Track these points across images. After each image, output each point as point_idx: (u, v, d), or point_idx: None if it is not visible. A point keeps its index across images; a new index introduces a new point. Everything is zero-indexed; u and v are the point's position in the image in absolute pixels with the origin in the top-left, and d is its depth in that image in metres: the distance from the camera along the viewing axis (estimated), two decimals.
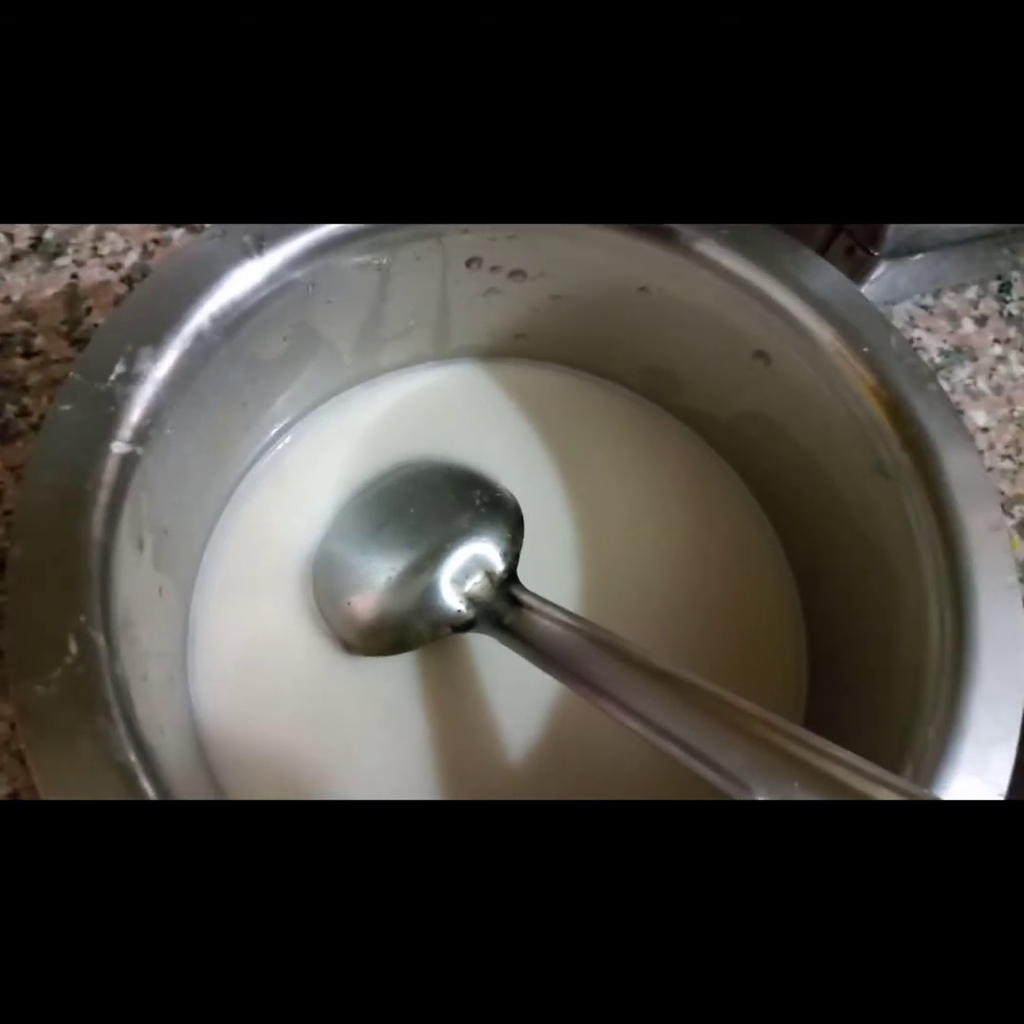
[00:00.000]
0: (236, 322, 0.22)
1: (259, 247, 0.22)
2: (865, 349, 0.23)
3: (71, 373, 0.20)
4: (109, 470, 0.19)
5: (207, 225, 0.30)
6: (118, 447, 0.20)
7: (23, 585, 0.18)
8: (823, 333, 0.24)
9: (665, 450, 0.30)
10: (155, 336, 0.21)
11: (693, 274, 0.25)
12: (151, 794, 0.17)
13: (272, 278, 0.22)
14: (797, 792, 0.19)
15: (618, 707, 0.22)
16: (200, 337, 0.21)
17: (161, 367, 0.21)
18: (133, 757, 0.17)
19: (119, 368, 0.20)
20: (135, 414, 0.20)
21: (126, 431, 0.20)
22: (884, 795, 0.18)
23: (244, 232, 0.22)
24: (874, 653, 0.25)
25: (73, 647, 0.18)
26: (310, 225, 0.23)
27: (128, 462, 0.20)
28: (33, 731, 0.17)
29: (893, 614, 0.24)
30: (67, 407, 0.20)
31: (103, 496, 0.19)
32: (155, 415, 0.21)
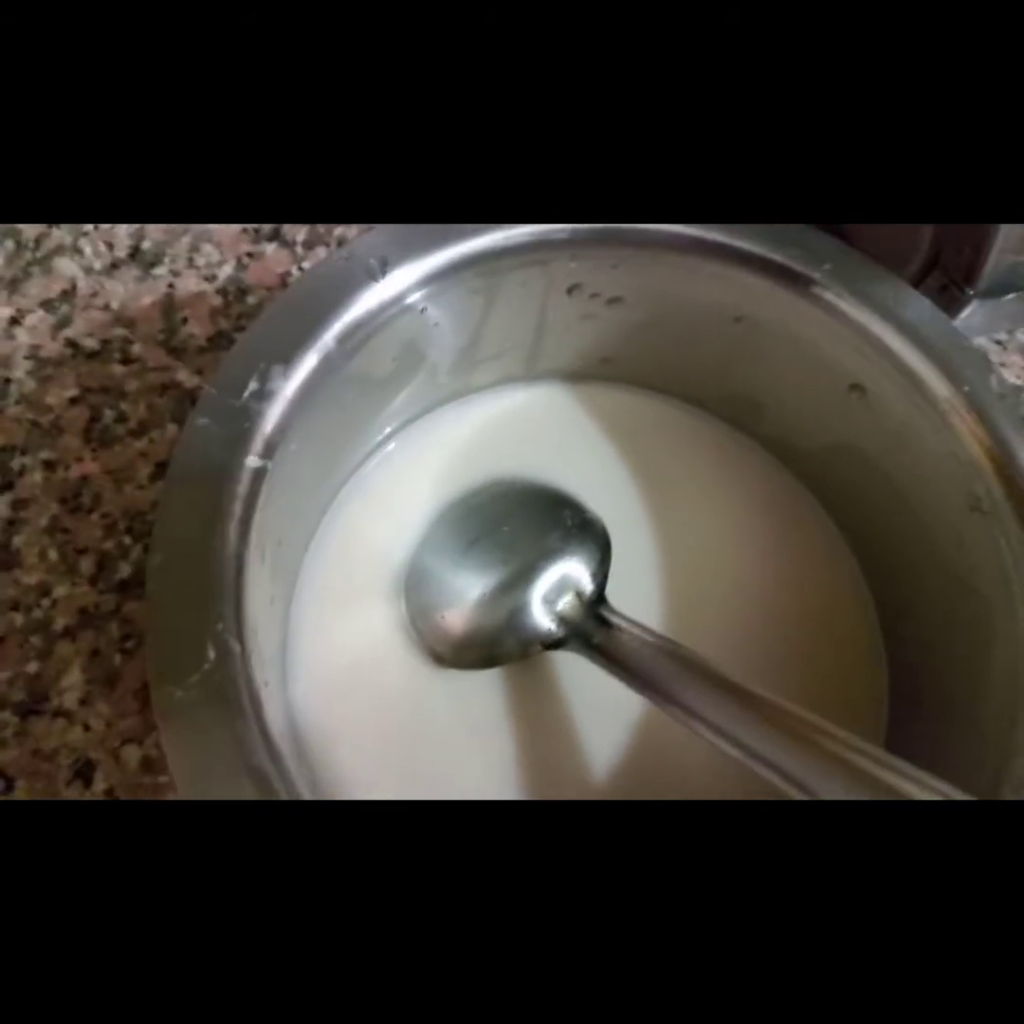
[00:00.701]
0: (358, 342, 0.23)
1: (383, 270, 0.23)
2: (966, 388, 0.24)
3: (207, 387, 0.21)
4: (243, 483, 0.20)
5: (302, 253, 0.31)
6: (252, 461, 0.21)
7: (164, 593, 0.19)
8: (924, 369, 0.24)
9: (749, 477, 0.31)
10: (286, 355, 0.22)
11: (793, 306, 0.26)
12: (283, 796, 0.18)
13: (393, 301, 0.23)
14: None
15: (705, 725, 0.22)
16: (327, 356, 0.22)
17: (291, 385, 0.21)
18: (267, 761, 0.18)
19: (253, 384, 0.21)
20: (267, 430, 0.21)
21: (259, 445, 0.21)
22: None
23: (369, 255, 0.23)
24: (964, 683, 0.25)
25: (211, 653, 0.19)
26: (430, 251, 0.23)
27: (259, 476, 0.21)
28: (173, 733, 0.18)
29: (983, 646, 0.24)
30: (204, 421, 0.21)
31: (237, 508, 0.20)
32: (283, 430, 0.21)
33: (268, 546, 0.22)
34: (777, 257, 0.25)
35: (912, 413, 0.25)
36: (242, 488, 0.20)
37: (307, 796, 0.19)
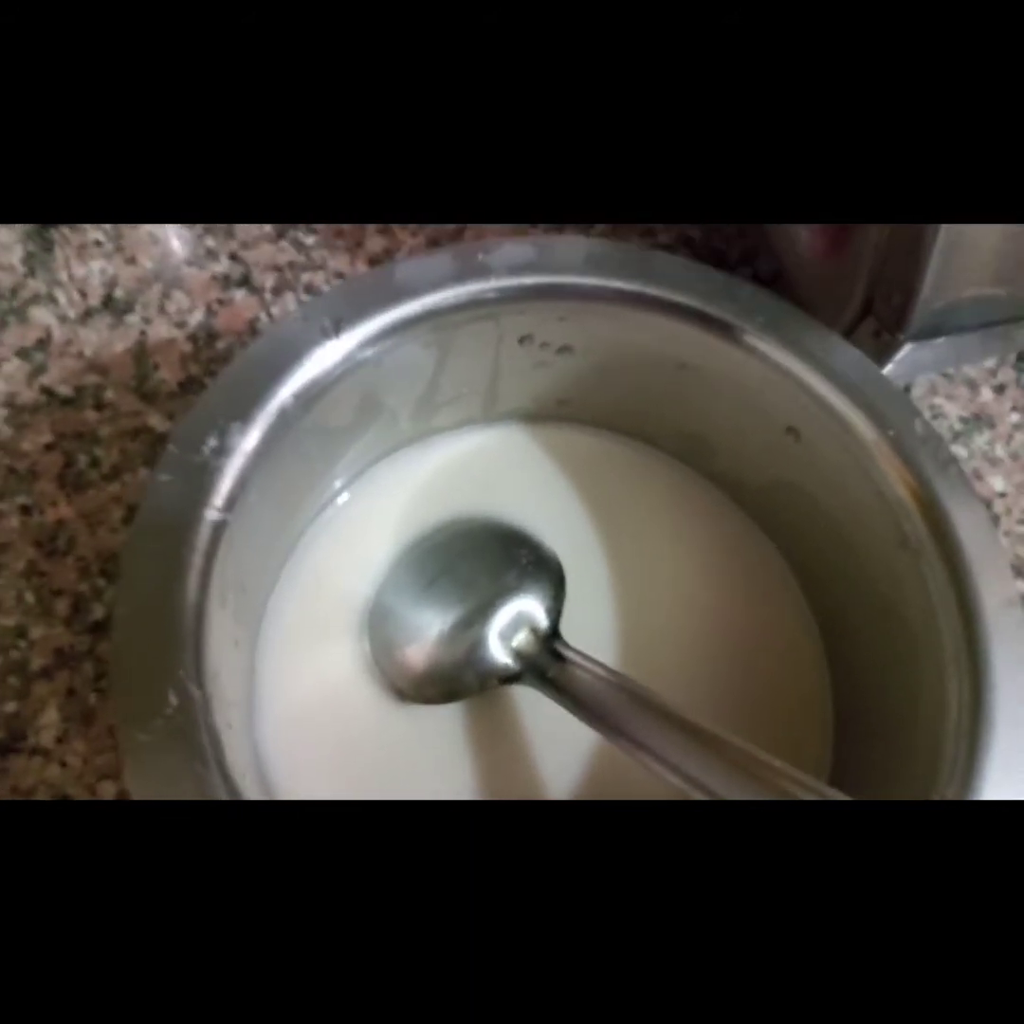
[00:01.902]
0: (314, 397, 0.24)
1: (337, 329, 0.24)
2: (891, 432, 0.25)
3: (169, 445, 0.22)
4: (203, 536, 0.21)
5: (270, 299, 0.33)
6: (211, 514, 0.22)
7: (127, 642, 0.20)
8: (851, 415, 0.26)
9: (699, 512, 0.32)
10: (244, 412, 0.23)
11: (729, 354, 0.27)
12: None
13: (347, 358, 0.24)
14: None
15: (654, 758, 0.23)
16: (282, 412, 0.23)
17: (248, 440, 0.23)
18: (226, 799, 0.19)
19: (212, 442, 0.22)
20: (226, 484, 0.22)
21: (218, 499, 0.22)
22: None
23: (324, 314, 0.24)
24: (896, 713, 0.26)
25: (173, 699, 0.20)
26: (381, 310, 0.25)
27: (218, 528, 0.22)
28: (137, 775, 0.19)
29: (914, 678, 0.26)
30: (165, 477, 0.22)
31: (197, 561, 0.21)
32: (242, 484, 0.23)
33: (230, 593, 0.23)
34: (712, 310, 0.26)
35: (843, 455, 0.26)
36: (202, 541, 0.21)
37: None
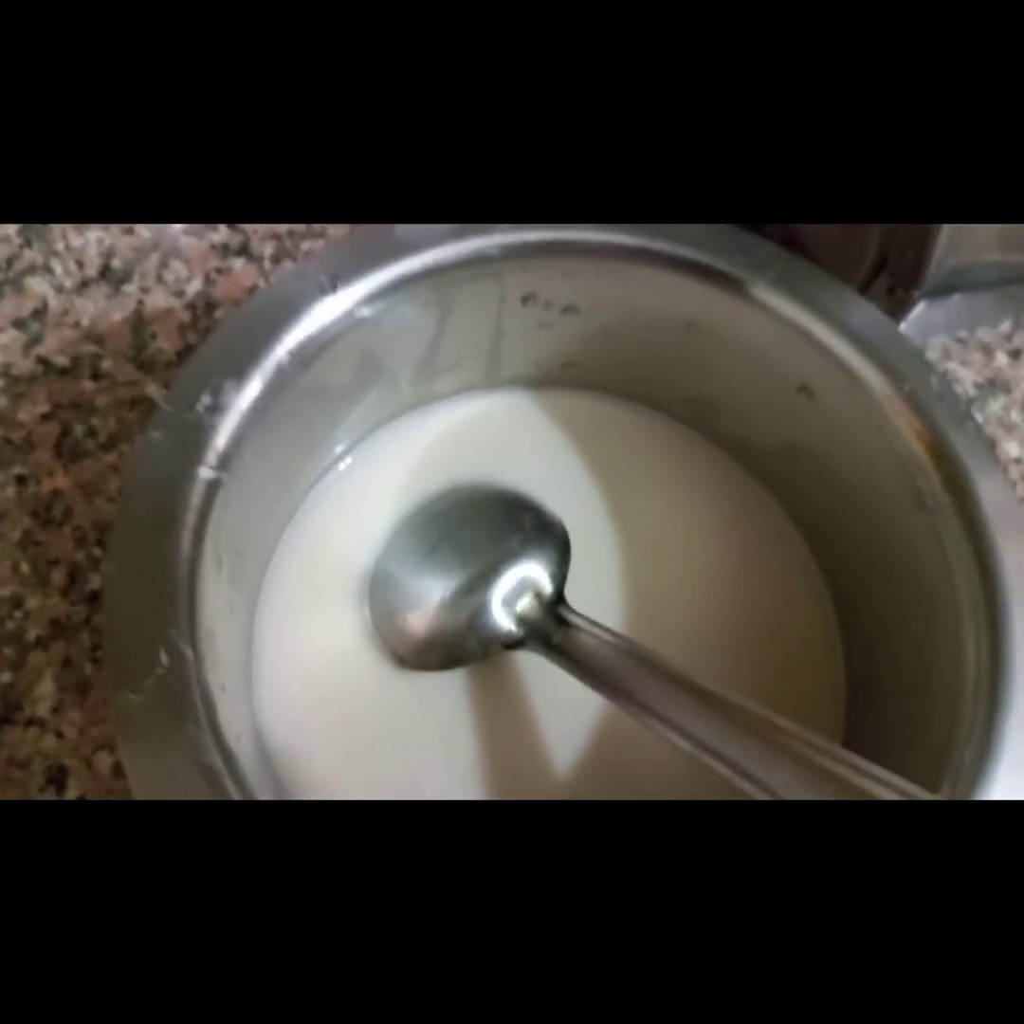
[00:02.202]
0: (311, 355, 0.23)
1: (333, 285, 0.24)
2: (906, 388, 0.24)
3: (161, 403, 0.22)
4: (196, 494, 0.21)
5: (269, 268, 0.32)
6: (204, 472, 0.21)
7: (118, 601, 0.20)
8: (866, 371, 0.25)
9: (707, 477, 0.31)
10: (238, 369, 0.22)
11: (740, 312, 0.26)
12: (234, 796, 0.19)
13: (344, 315, 0.24)
14: None
15: (663, 723, 0.23)
16: (279, 369, 0.23)
17: (244, 398, 0.22)
18: (219, 762, 0.19)
19: (206, 399, 0.22)
20: (220, 442, 0.22)
21: (211, 457, 0.21)
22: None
23: (320, 271, 0.24)
24: (912, 677, 0.25)
25: (164, 658, 0.19)
26: (379, 266, 0.24)
27: (212, 487, 0.21)
28: (128, 735, 0.19)
29: (930, 641, 0.25)
30: (157, 434, 0.21)
31: (191, 518, 0.21)
32: (237, 442, 0.22)
33: (225, 555, 0.23)
34: (722, 265, 0.25)
35: (856, 413, 0.25)
36: (195, 499, 0.21)
37: (262, 795, 0.20)
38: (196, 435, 0.21)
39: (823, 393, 0.26)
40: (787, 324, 0.26)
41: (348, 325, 0.24)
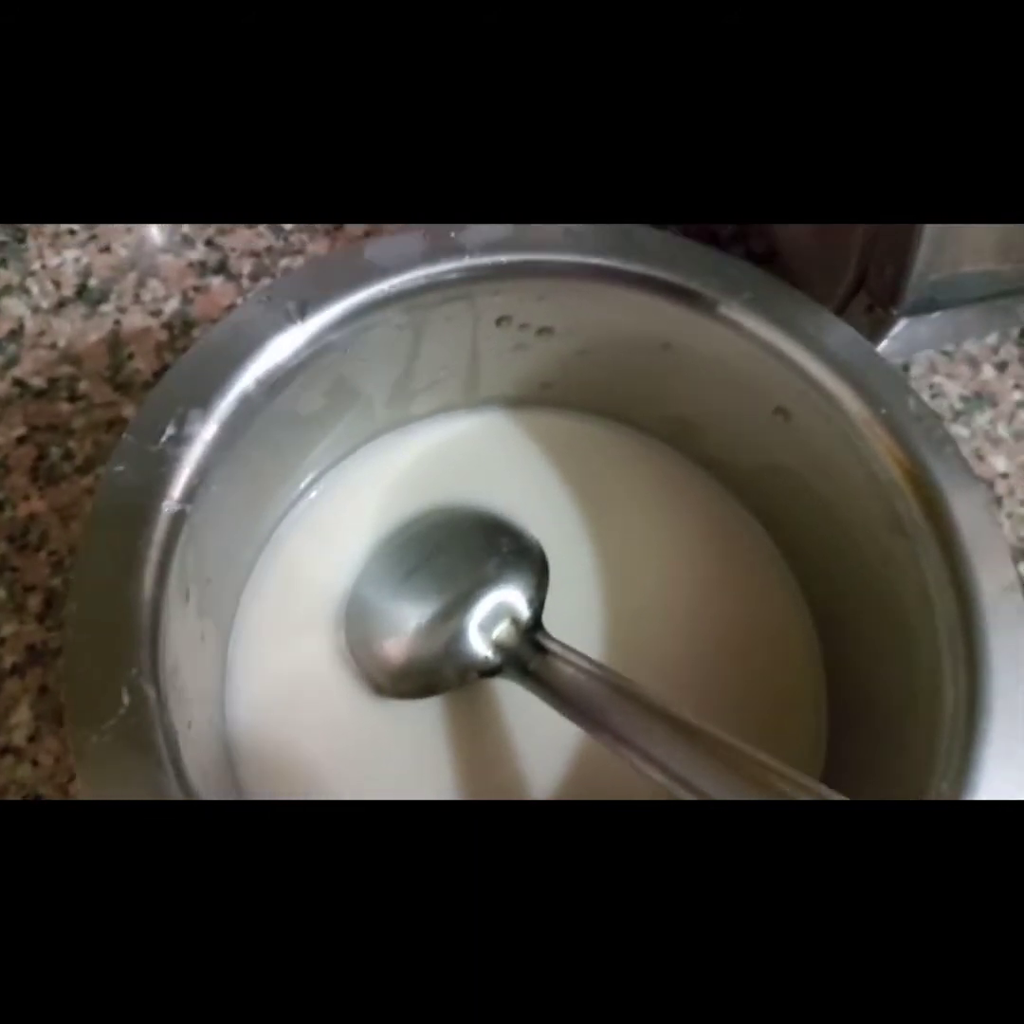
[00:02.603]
0: (279, 382, 0.23)
1: (301, 313, 0.23)
2: (883, 410, 0.24)
3: (125, 434, 0.21)
4: (160, 529, 0.21)
5: (247, 286, 0.32)
6: (168, 506, 0.21)
7: (79, 640, 0.19)
8: (841, 393, 0.25)
9: (688, 498, 0.31)
10: (203, 399, 0.22)
11: (715, 333, 0.26)
12: None
13: (312, 341, 0.24)
14: None
15: (637, 754, 0.23)
16: (246, 398, 0.22)
17: (209, 428, 0.22)
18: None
19: (170, 430, 0.21)
20: (184, 474, 0.21)
21: (176, 490, 0.21)
22: None
23: (287, 299, 0.23)
24: (892, 702, 0.25)
25: (126, 698, 0.19)
26: (348, 292, 0.24)
27: (177, 520, 0.21)
28: (89, 777, 0.18)
29: (908, 666, 0.24)
30: (120, 468, 0.21)
31: (154, 554, 0.20)
32: (203, 473, 0.22)
33: (193, 585, 0.22)
34: (695, 285, 0.25)
35: (833, 435, 0.25)
36: (159, 533, 0.21)
37: None
38: (160, 468, 0.21)
39: (800, 415, 0.26)
40: (762, 345, 0.25)
41: (317, 350, 0.24)
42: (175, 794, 0.19)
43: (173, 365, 0.22)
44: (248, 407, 0.23)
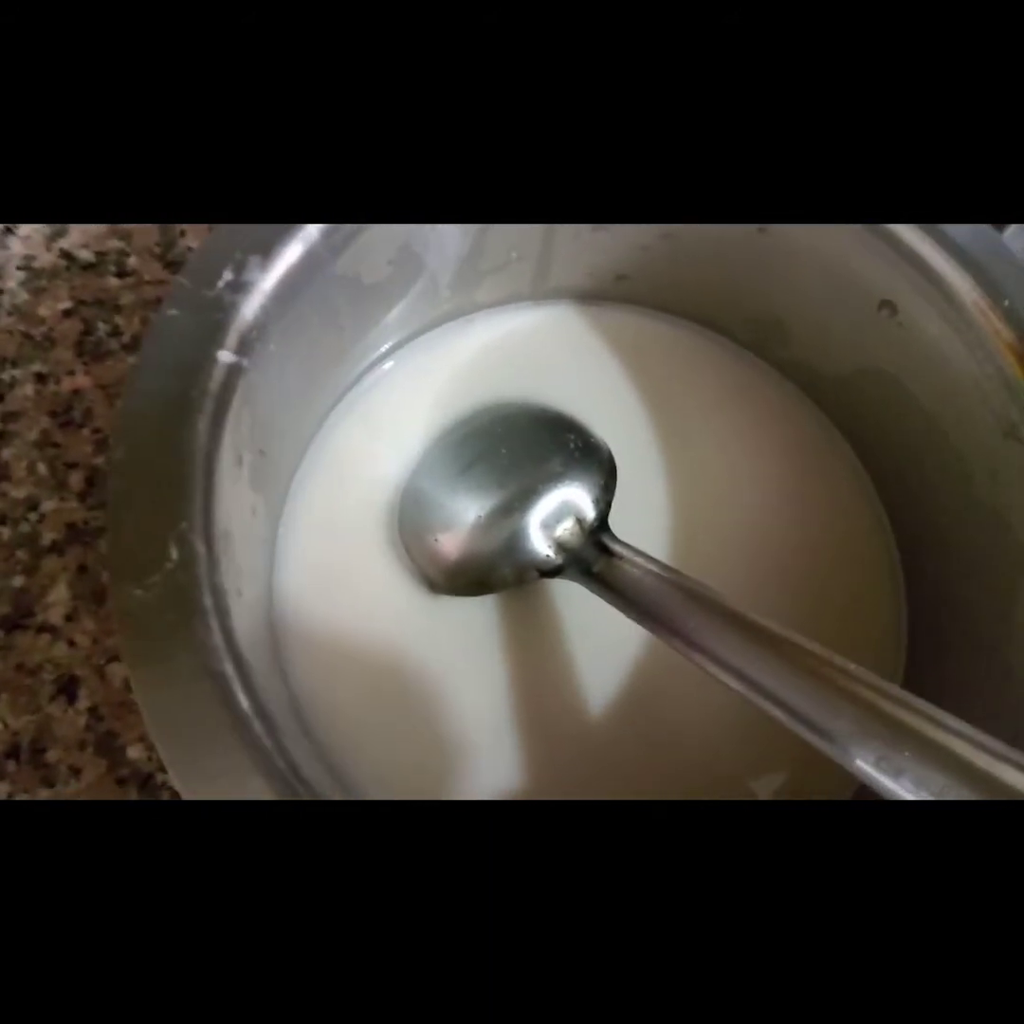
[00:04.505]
0: (346, 237, 0.21)
1: None
2: (1006, 302, 0.22)
3: (178, 277, 0.20)
4: (215, 378, 0.19)
5: None
6: (224, 356, 0.19)
7: (126, 488, 0.18)
8: (960, 283, 0.22)
9: (767, 406, 0.29)
10: (264, 245, 0.20)
11: None
12: (246, 706, 0.17)
13: None
14: (908, 762, 0.18)
15: (713, 661, 0.21)
16: (310, 249, 0.21)
17: (269, 278, 0.20)
18: (230, 668, 0.17)
19: (227, 275, 0.20)
20: (241, 323, 0.20)
21: (232, 340, 0.19)
22: (1010, 776, 0.17)
23: None
24: (986, 631, 0.23)
25: (174, 553, 0.17)
26: None
27: (233, 372, 0.19)
28: (131, 635, 0.17)
29: (1011, 590, 0.22)
30: (174, 312, 0.19)
31: (208, 404, 0.19)
32: (260, 328, 0.20)
33: (246, 453, 0.21)
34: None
35: (946, 332, 0.23)
36: (214, 383, 0.19)
37: (276, 705, 0.18)
38: (216, 314, 0.19)
39: (908, 309, 0.24)
40: (872, 229, 0.23)
41: None
42: (224, 659, 0.17)
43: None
44: (311, 260, 0.21)
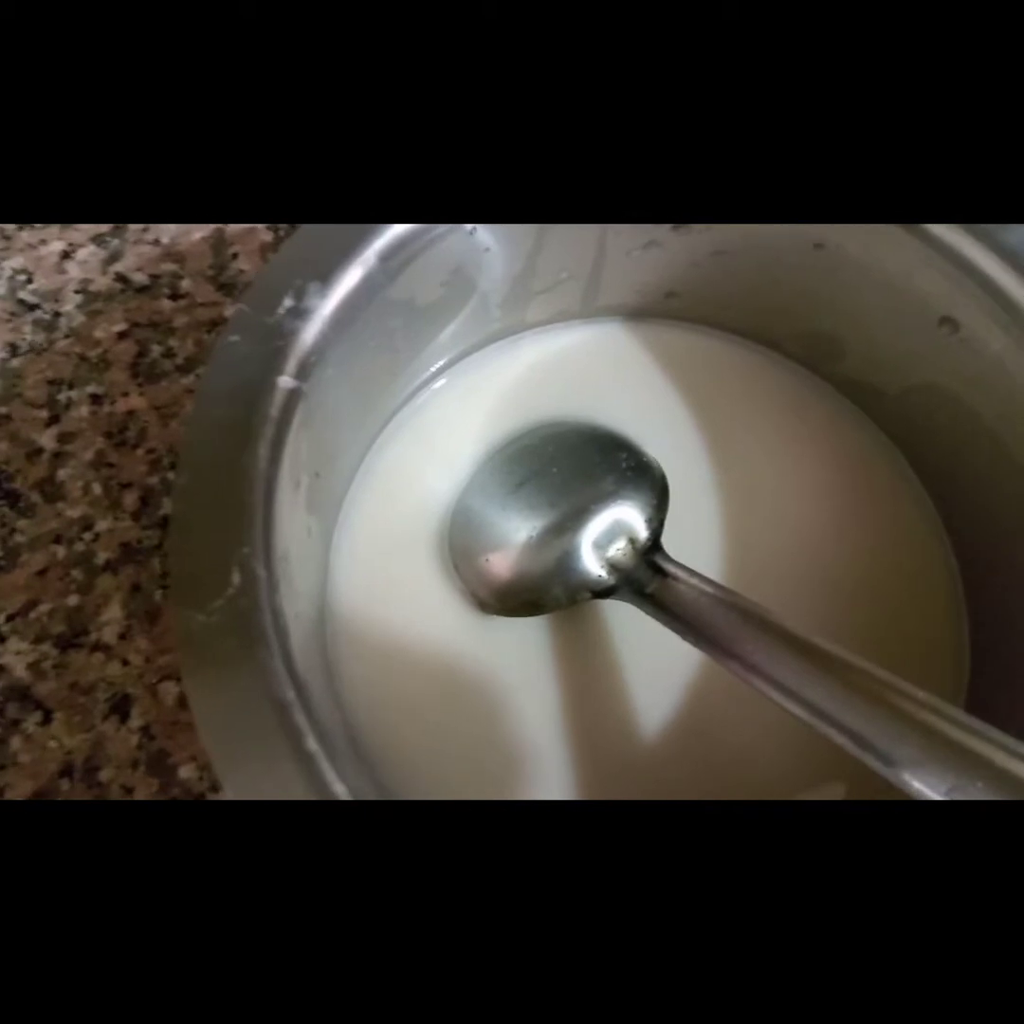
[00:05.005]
0: (402, 262, 0.21)
1: None
2: None
3: (239, 304, 0.20)
4: (276, 403, 0.19)
5: None
6: (284, 381, 0.19)
7: (188, 514, 0.18)
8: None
9: (820, 422, 0.28)
10: (324, 272, 0.20)
11: (878, 230, 0.23)
12: (307, 731, 0.17)
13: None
14: (980, 792, 0.17)
15: (772, 685, 0.20)
16: (367, 275, 0.21)
17: (328, 304, 0.20)
18: (291, 693, 0.17)
19: (288, 301, 0.20)
20: (301, 349, 0.20)
21: (292, 365, 0.20)
22: None
23: None
24: None
25: (236, 578, 0.18)
26: None
27: (293, 397, 0.20)
28: (192, 660, 0.17)
29: None
30: (235, 338, 0.20)
31: (269, 430, 0.19)
32: (319, 352, 0.20)
33: (304, 475, 0.21)
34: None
35: (1010, 347, 0.22)
36: (274, 409, 0.19)
37: (331, 729, 0.18)
38: (276, 340, 0.19)
39: (970, 324, 0.23)
40: (934, 243, 0.23)
41: (443, 231, 0.22)
42: (284, 685, 0.17)
43: (290, 235, 0.21)
44: (368, 285, 0.21)
